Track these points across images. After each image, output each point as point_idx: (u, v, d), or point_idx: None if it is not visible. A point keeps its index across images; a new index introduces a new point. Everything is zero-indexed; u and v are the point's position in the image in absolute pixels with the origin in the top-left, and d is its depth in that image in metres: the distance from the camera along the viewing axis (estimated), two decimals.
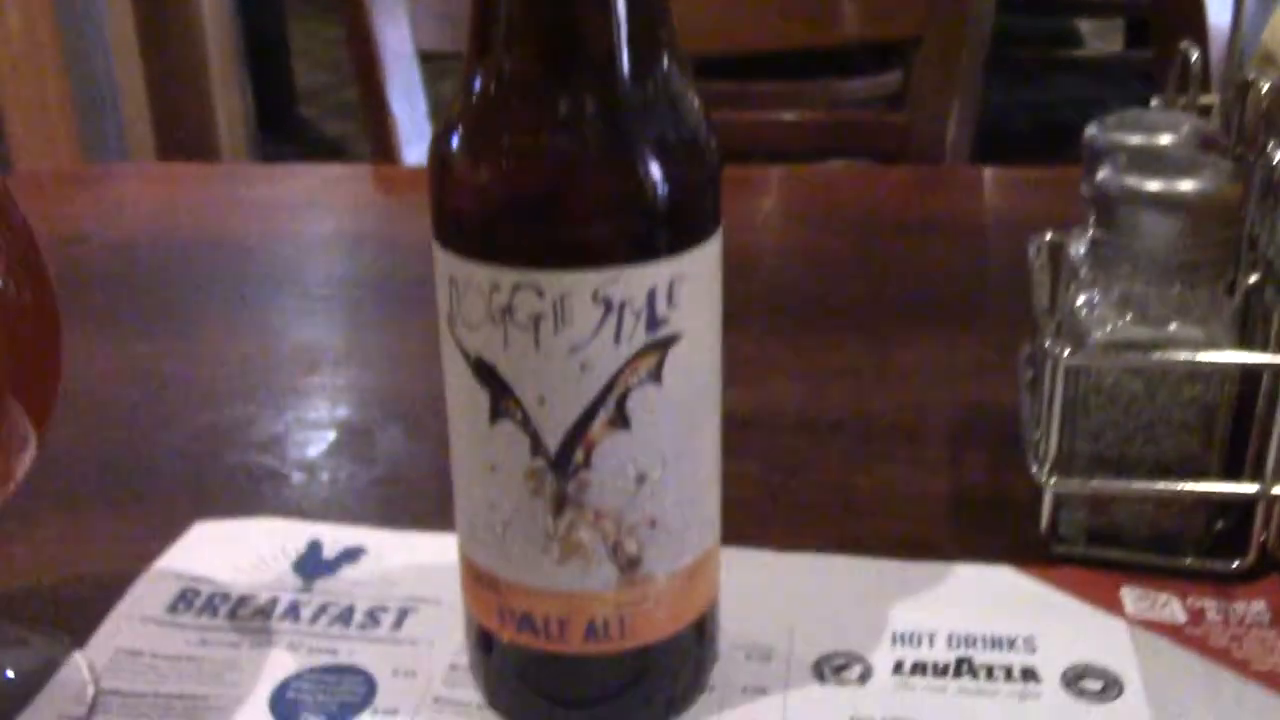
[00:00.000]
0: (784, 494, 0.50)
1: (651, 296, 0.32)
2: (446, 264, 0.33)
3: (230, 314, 0.69)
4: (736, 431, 0.57)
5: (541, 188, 0.32)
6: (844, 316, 0.67)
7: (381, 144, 1.07)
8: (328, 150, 2.99)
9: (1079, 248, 0.48)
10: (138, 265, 0.77)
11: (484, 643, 0.38)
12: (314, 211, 0.85)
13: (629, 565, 0.35)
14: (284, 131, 3.01)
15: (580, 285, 0.32)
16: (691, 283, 0.33)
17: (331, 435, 0.55)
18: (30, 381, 0.37)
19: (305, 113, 3.33)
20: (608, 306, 0.32)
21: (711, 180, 0.33)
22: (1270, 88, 0.47)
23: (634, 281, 0.32)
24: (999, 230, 0.78)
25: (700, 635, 0.38)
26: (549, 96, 0.31)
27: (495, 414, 0.34)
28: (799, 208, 0.88)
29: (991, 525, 0.48)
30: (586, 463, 0.34)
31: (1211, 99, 0.60)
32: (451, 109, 0.33)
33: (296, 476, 0.52)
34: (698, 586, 0.37)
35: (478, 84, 0.32)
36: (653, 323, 0.33)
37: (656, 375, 0.33)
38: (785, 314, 0.67)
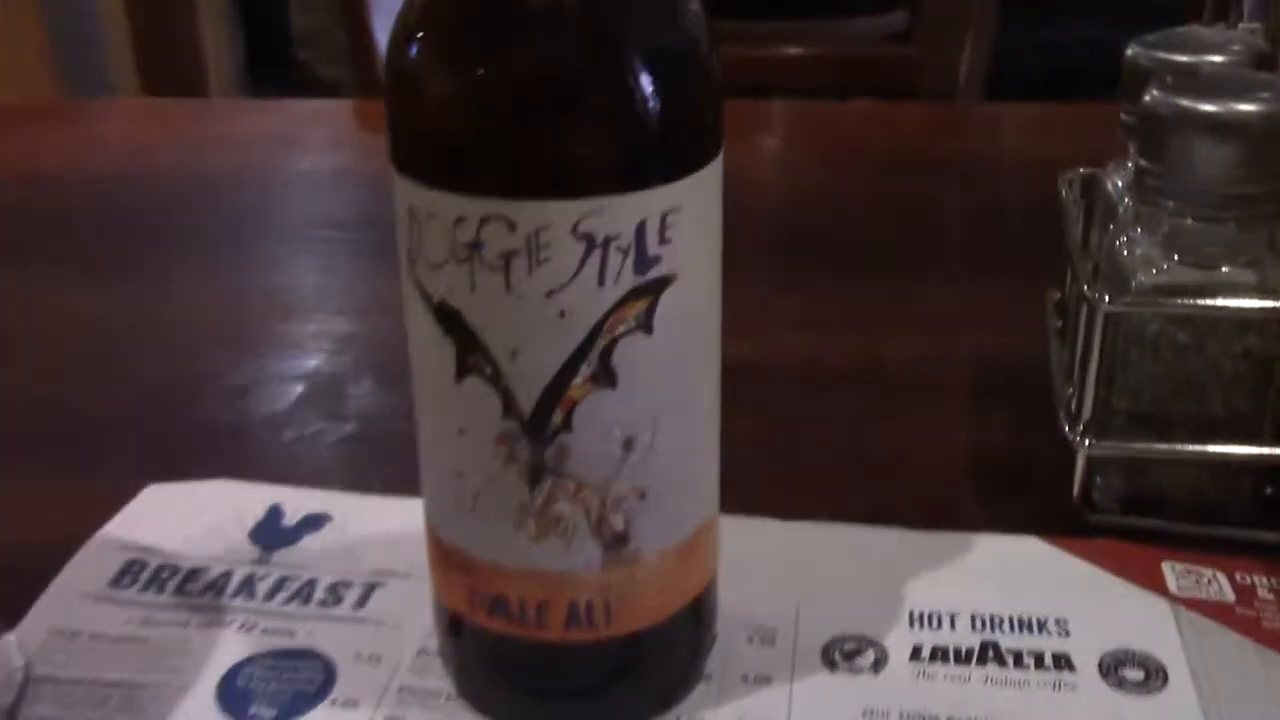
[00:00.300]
0: (788, 454, 0.46)
1: (641, 231, 0.28)
2: (405, 193, 0.29)
3: (200, 257, 0.64)
4: (735, 384, 0.52)
5: (511, 101, 0.27)
6: (854, 260, 0.62)
7: (365, 77, 1.02)
8: (324, 96, 2.92)
9: (1117, 180, 0.43)
10: (106, 205, 0.72)
11: (454, 628, 0.34)
12: (293, 148, 0.81)
13: (615, 542, 0.31)
14: (279, 76, 2.94)
15: (558, 217, 0.27)
16: (688, 215, 0.29)
17: (299, 389, 0.51)
18: None
19: (302, 56, 3.25)
20: (590, 242, 0.27)
21: (711, 95, 0.29)
22: None
23: (621, 213, 0.27)
24: (1017, 170, 0.73)
25: (696, 619, 0.34)
26: None
27: (462, 369, 0.29)
28: (807, 145, 0.83)
29: (1017, 490, 0.43)
30: (566, 425, 0.29)
31: (1254, 25, 0.55)
32: (408, 12, 0.28)
33: (259, 434, 0.48)
34: (693, 565, 0.33)
35: None
36: (643, 262, 0.28)
37: (647, 324, 0.29)
38: (791, 257, 0.63)
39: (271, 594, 0.39)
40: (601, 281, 0.28)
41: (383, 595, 0.39)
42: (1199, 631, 0.36)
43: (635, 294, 0.28)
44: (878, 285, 0.59)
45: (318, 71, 3.20)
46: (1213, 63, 0.40)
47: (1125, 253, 0.38)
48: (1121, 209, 0.41)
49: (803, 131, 0.85)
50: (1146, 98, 0.37)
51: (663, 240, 0.28)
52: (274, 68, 2.84)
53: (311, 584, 0.39)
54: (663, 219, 0.28)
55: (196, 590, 0.39)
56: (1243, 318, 0.37)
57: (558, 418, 0.29)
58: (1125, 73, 0.42)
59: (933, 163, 0.75)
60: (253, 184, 0.75)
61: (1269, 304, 0.37)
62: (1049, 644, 0.36)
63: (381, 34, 1.02)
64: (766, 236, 0.63)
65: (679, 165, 0.28)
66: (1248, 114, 0.36)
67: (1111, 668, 0.35)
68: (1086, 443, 0.39)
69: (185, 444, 0.47)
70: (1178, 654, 0.35)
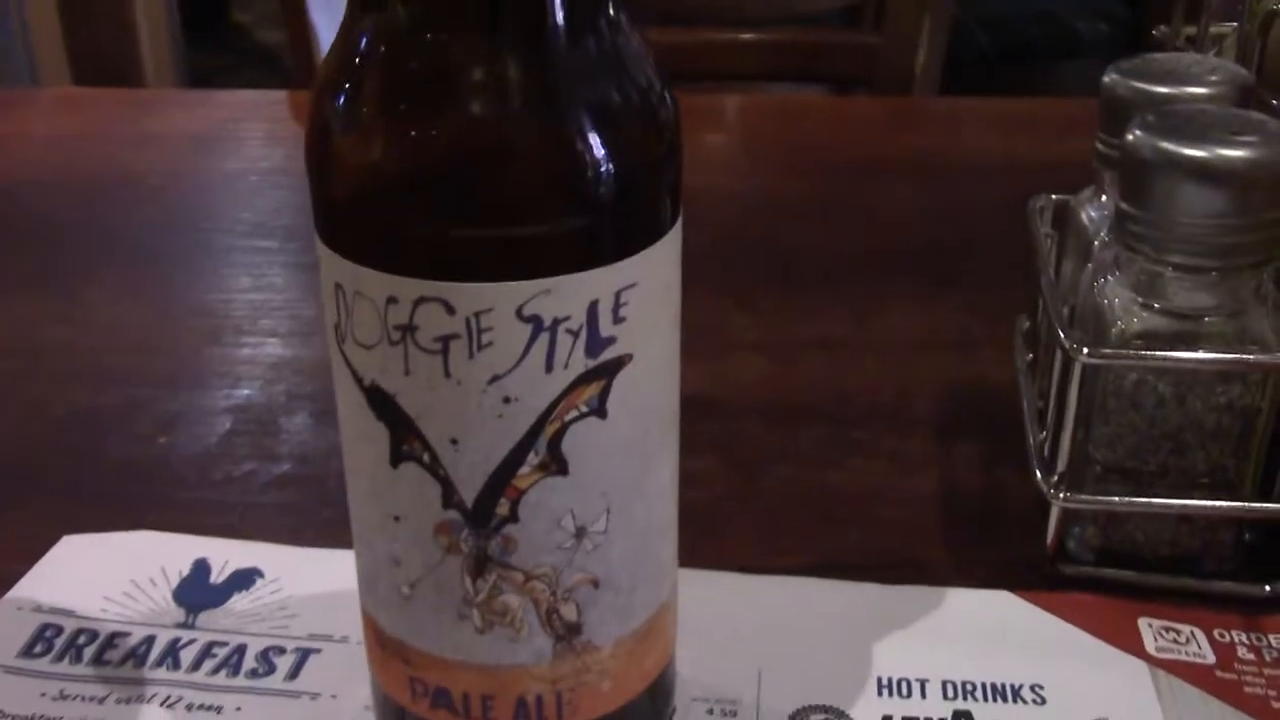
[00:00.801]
0: (747, 496, 0.44)
1: (593, 311, 0.25)
2: (332, 267, 0.26)
3: (120, 269, 0.61)
4: (692, 417, 0.50)
5: (450, 171, 0.24)
6: (811, 276, 0.60)
7: (302, 62, 0.98)
8: (261, 61, 2.85)
9: (1091, 213, 0.41)
10: (24, 209, 0.68)
11: (396, 717, 0.31)
12: (226, 145, 0.77)
13: (567, 633, 0.28)
14: (215, 40, 2.86)
15: (502, 299, 0.25)
16: (644, 290, 0.26)
17: (228, 422, 0.48)
18: None
19: (239, 18, 3.17)
20: (538, 325, 0.25)
21: (670, 163, 0.26)
22: None
23: (571, 293, 0.25)
24: (978, 172, 0.71)
25: (652, 701, 0.32)
26: (461, 49, 0.24)
27: (396, 455, 0.27)
28: (759, 143, 0.80)
29: (987, 538, 0.42)
30: (513, 516, 0.27)
31: (1224, 29, 0.53)
32: (334, 63, 0.26)
33: (184, 474, 0.45)
34: (651, 650, 0.31)
35: (367, 32, 0.25)
36: (595, 344, 0.26)
37: (600, 408, 0.26)
38: (744, 272, 0.60)
39: (197, 663, 0.36)
40: (550, 367, 0.25)
41: (318, 663, 0.36)
42: (1180, 699, 0.34)
43: (587, 377, 0.26)
44: (836, 305, 0.57)
45: (256, 35, 3.12)
46: (1194, 94, 0.38)
47: (1104, 299, 0.36)
48: (1097, 246, 0.39)
49: (755, 129, 0.82)
50: (1129, 137, 0.35)
51: (616, 319, 0.26)
52: (209, 30, 2.77)
53: (241, 650, 0.37)
54: (616, 297, 0.26)
55: (116, 659, 0.36)
56: (1225, 370, 0.36)
57: (503, 508, 0.27)
58: (1102, 100, 0.40)
59: (891, 163, 0.73)
60: (182, 186, 0.71)
61: (1253, 357, 0.35)
62: (1025, 714, 0.34)
63: (318, 14, 0.98)
64: (718, 246, 0.61)
65: (636, 238, 0.26)
66: (1234, 159, 0.34)
67: None
68: (1062, 495, 0.37)
69: (103, 486, 0.44)
70: None
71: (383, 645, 0.30)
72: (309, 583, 0.39)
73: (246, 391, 0.50)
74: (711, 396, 0.49)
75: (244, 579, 0.39)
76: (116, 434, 0.47)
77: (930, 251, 0.63)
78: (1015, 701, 0.35)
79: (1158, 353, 0.35)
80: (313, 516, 0.43)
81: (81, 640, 0.37)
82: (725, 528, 0.42)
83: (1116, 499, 0.37)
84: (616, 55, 0.25)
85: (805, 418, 0.48)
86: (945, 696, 0.35)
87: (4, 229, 0.65)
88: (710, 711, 0.34)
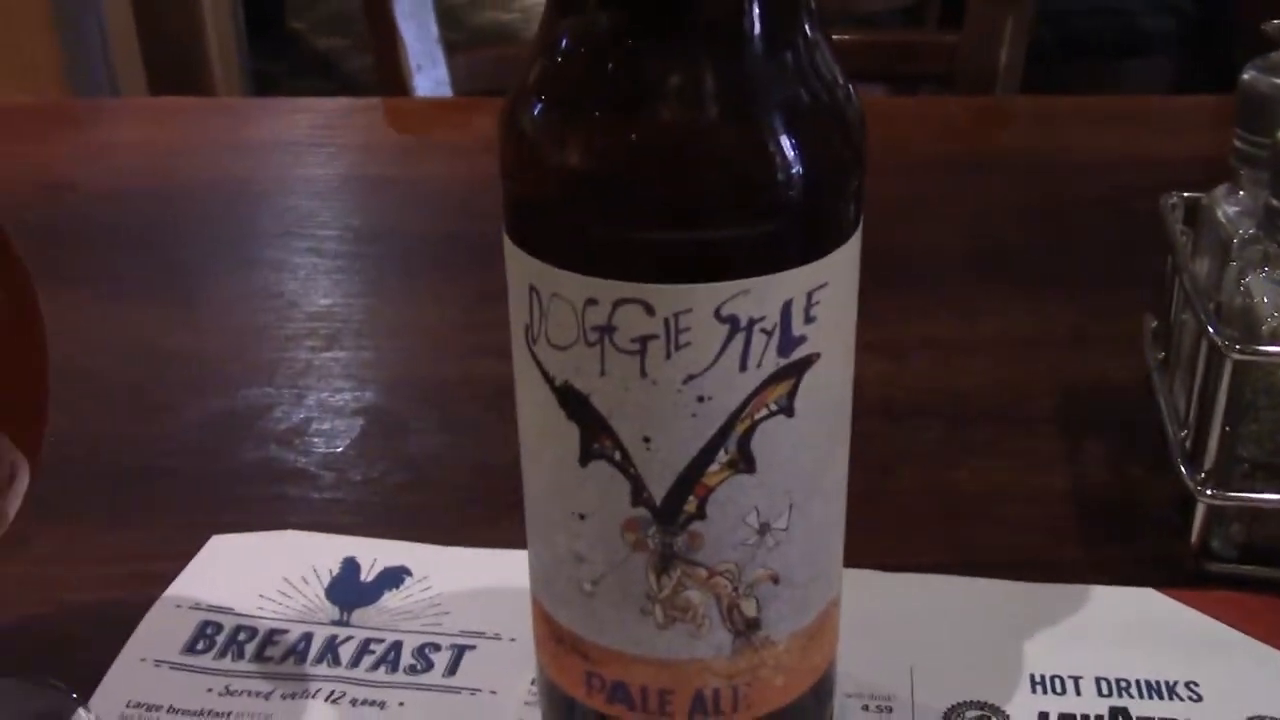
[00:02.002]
0: (876, 497, 0.44)
1: (787, 311, 0.26)
2: (525, 268, 0.27)
3: (236, 274, 0.62)
4: None
5: (651, 175, 0.25)
6: (917, 274, 0.60)
7: (389, 71, 0.99)
8: (318, 66, 2.88)
9: (1228, 209, 0.41)
10: (130, 216, 0.69)
11: (566, 710, 0.32)
12: (322, 152, 0.78)
13: (746, 628, 0.29)
14: (273, 46, 2.90)
15: (701, 300, 0.25)
16: (833, 291, 0.27)
17: (359, 424, 0.49)
18: (13, 407, 0.31)
19: (295, 26, 3.21)
20: (734, 325, 0.25)
21: (859, 164, 0.27)
22: None
23: (768, 294, 0.25)
24: (1073, 170, 0.71)
25: (818, 697, 0.32)
26: (660, 59, 0.25)
27: (587, 453, 0.27)
28: None
29: (1124, 535, 0.42)
30: (700, 513, 0.27)
31: None
32: (528, 70, 0.26)
33: (320, 476, 0.46)
34: (821, 645, 0.31)
35: (565, 40, 0.26)
36: (787, 343, 0.26)
37: (789, 406, 0.27)
38: None
39: (356, 659, 0.37)
40: (744, 366, 0.26)
41: (474, 659, 0.37)
42: None
43: (778, 376, 0.26)
44: (946, 303, 0.57)
45: (311, 42, 3.15)
46: None
47: (1252, 297, 0.37)
48: (1236, 242, 0.39)
49: None
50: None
51: (808, 319, 0.26)
52: (267, 37, 2.80)
53: (397, 647, 0.37)
54: (809, 297, 0.26)
55: (277, 656, 0.37)
56: None
57: (691, 505, 0.27)
58: (1240, 98, 0.40)
59: (984, 162, 0.73)
60: (284, 193, 0.72)
61: None
62: (1182, 711, 0.34)
63: (405, 23, 0.99)
64: None
65: (827, 240, 0.26)
66: None
67: None
68: (1209, 492, 0.37)
69: (241, 489, 0.45)
70: None
71: (559, 640, 0.31)
72: (458, 581, 0.40)
73: (372, 394, 0.51)
74: None
75: (393, 577, 0.40)
76: (249, 437, 0.48)
77: (1031, 249, 0.63)
78: (1171, 698, 0.35)
79: None
80: (447, 514, 0.43)
81: (242, 637, 0.38)
82: (858, 527, 0.42)
83: (1266, 495, 0.37)
84: (807, 59, 0.26)
85: (923, 418, 0.49)
86: (1100, 693, 0.35)
87: (114, 235, 0.67)
88: (866, 708, 0.35)
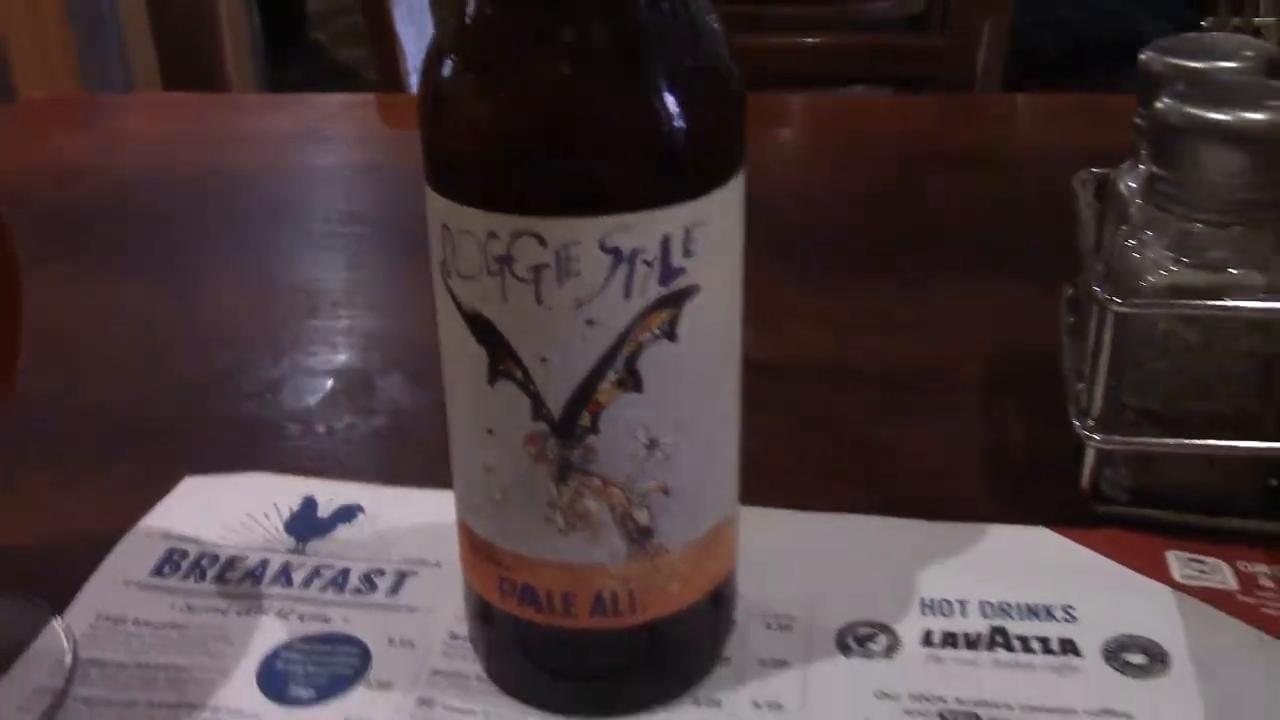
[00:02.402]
0: (809, 451, 0.48)
1: (666, 245, 0.29)
2: (439, 209, 0.30)
3: (228, 253, 0.66)
4: (755, 381, 0.54)
5: (541, 122, 0.28)
6: (871, 256, 0.63)
7: (387, 71, 1.03)
8: (339, 77, 2.93)
9: (1130, 182, 0.44)
10: (134, 202, 0.73)
11: (484, 614, 0.35)
12: (319, 144, 0.82)
13: (640, 536, 0.32)
14: (294, 57, 2.95)
15: (587, 233, 0.28)
16: (711, 229, 0.30)
17: (329, 383, 0.52)
18: None
19: (317, 37, 3.26)
20: (618, 256, 0.29)
21: (735, 113, 0.30)
22: None
23: (647, 228, 0.29)
24: (1036, 162, 0.74)
25: (716, 606, 0.35)
26: (550, 17, 0.28)
27: (493, 374, 0.31)
28: (823, 138, 0.84)
29: (1028, 483, 0.45)
30: (593, 427, 0.31)
31: (1269, 20, 0.56)
32: (441, 33, 0.30)
33: (291, 428, 0.50)
34: (714, 557, 0.34)
35: (471, 4, 0.29)
36: (667, 274, 0.29)
37: (671, 332, 0.30)
38: (808, 253, 0.64)
39: (307, 582, 0.41)
40: (628, 293, 0.29)
41: (415, 583, 0.40)
42: (1201, 618, 0.37)
43: (660, 304, 0.30)
44: (894, 281, 0.60)
45: (333, 53, 3.21)
46: (1224, 69, 0.41)
47: (1135, 254, 0.40)
48: (1133, 210, 0.42)
49: (819, 124, 0.86)
50: (1158, 105, 0.38)
51: (686, 253, 0.29)
52: (288, 48, 2.85)
53: (345, 572, 0.41)
54: (687, 233, 0.29)
55: (235, 578, 0.41)
56: (1249, 318, 0.39)
57: (585, 420, 0.31)
58: (1139, 77, 0.43)
59: (949, 155, 0.76)
60: (278, 180, 0.76)
61: (1272, 305, 0.38)
62: (1055, 630, 0.37)
63: (402, 27, 1.03)
64: (786, 233, 0.64)
65: (703, 182, 0.29)
66: (1255, 122, 0.37)
67: (1115, 652, 0.36)
68: (1097, 437, 0.40)
69: (220, 438, 0.49)
70: (1180, 639, 0.37)
71: (475, 549, 0.34)
72: (404, 517, 0.43)
73: (344, 357, 0.54)
74: (774, 362, 0.53)
75: (347, 514, 0.44)
76: (228, 394, 0.52)
77: (981, 235, 0.66)
78: (1047, 619, 0.38)
79: (1181, 301, 0.38)
80: (406, 463, 0.47)
81: (205, 563, 0.41)
82: (788, 477, 0.46)
83: (1145, 440, 0.40)
84: (687, 15, 0.29)
85: (863, 384, 0.52)
86: (983, 615, 0.38)
87: (115, 219, 0.71)
88: (768, 626, 0.38)
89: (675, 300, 0.30)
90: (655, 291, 0.29)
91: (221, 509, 0.44)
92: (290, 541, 0.42)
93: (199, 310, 0.60)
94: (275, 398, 0.52)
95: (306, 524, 0.43)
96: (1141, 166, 0.44)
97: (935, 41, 1.04)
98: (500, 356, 0.30)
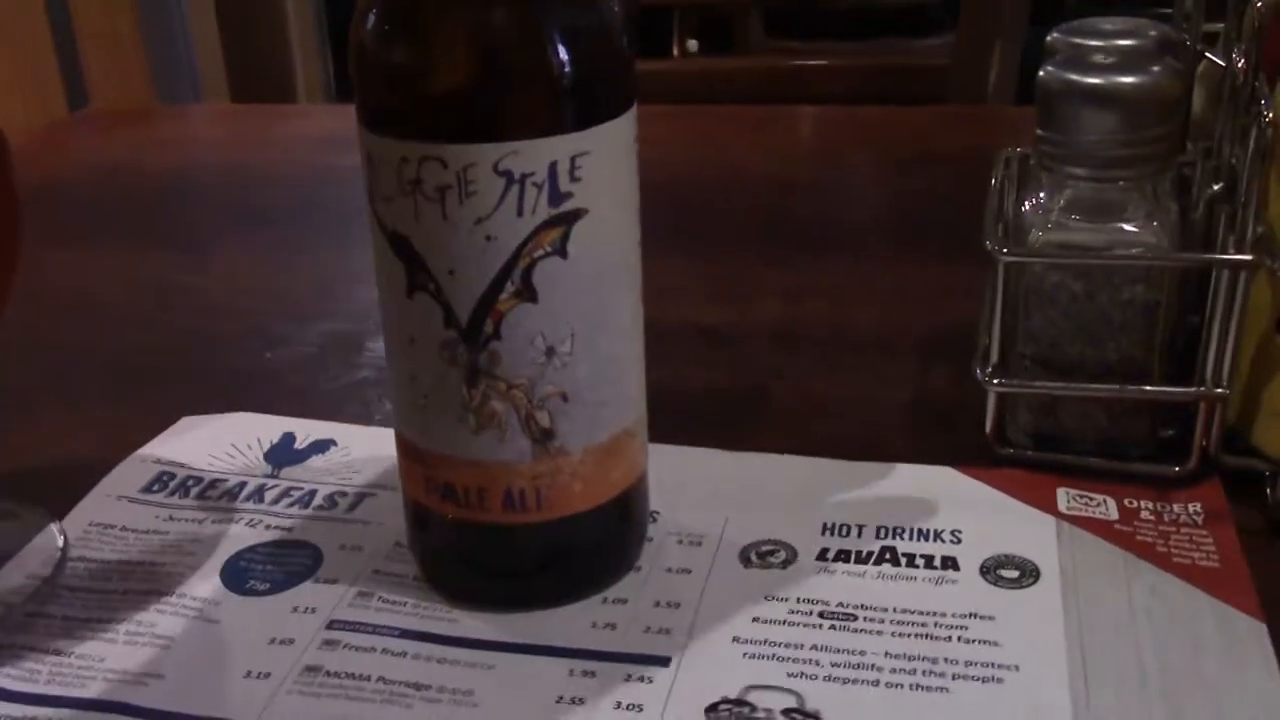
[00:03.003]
0: (746, 400, 0.51)
1: (553, 170, 0.33)
2: (364, 140, 0.35)
3: (250, 237, 0.72)
4: (710, 343, 0.58)
5: (441, 64, 0.33)
6: (838, 241, 0.67)
7: None
8: None
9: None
10: (175, 194, 0.80)
11: (417, 516, 0.40)
12: (335, 146, 0.88)
13: (542, 437, 0.36)
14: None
15: (481, 157, 0.33)
16: (597, 159, 0.34)
17: (321, 342, 0.57)
18: None
19: None
20: (509, 178, 0.33)
21: (615, 61, 0.35)
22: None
23: (533, 155, 0.33)
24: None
25: (623, 514, 0.39)
26: None
27: (411, 286, 0.35)
28: (825, 143, 0.88)
29: (944, 429, 0.48)
30: (496, 334, 0.35)
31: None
32: None
33: (285, 379, 0.55)
34: (617, 463, 0.38)
35: None
36: (555, 196, 0.34)
37: (561, 249, 0.34)
38: (779, 238, 0.68)
39: (277, 500, 0.45)
40: (520, 212, 0.34)
41: (372, 503, 0.45)
42: (1076, 541, 0.41)
43: (550, 223, 0.34)
44: (855, 262, 0.64)
45: None
46: (1116, 46, 0.45)
47: (1030, 213, 0.43)
48: (1031, 175, 0.46)
49: (809, 132, 0.90)
50: (1041, 74, 0.42)
51: (573, 179, 0.34)
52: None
53: (312, 493, 0.46)
54: (572, 161, 0.34)
55: (215, 496, 0.46)
56: (1130, 268, 0.42)
57: (489, 327, 0.35)
58: (1045, 56, 0.47)
59: (936, 158, 0.80)
60: (309, 180, 0.82)
61: (1141, 258, 0.41)
62: (940, 549, 0.41)
63: None
64: (761, 222, 0.69)
65: (587, 116, 0.34)
66: (1124, 84, 0.40)
67: (991, 568, 0.40)
68: (994, 382, 0.44)
69: (220, 387, 0.54)
70: (1052, 558, 0.40)
71: (406, 453, 0.38)
72: (372, 450, 0.48)
73: (339, 323, 0.60)
74: (732, 328, 0.57)
75: (321, 446, 0.48)
76: (229, 349, 0.57)
77: (953, 225, 0.69)
78: (935, 540, 0.41)
79: (1061, 252, 0.42)
80: (380, 408, 0.52)
81: (189, 483, 0.46)
82: (725, 422, 0.50)
83: (1035, 385, 0.43)
84: None
85: (803, 343, 0.56)
86: (877, 536, 0.41)
87: (155, 207, 0.77)
88: (680, 542, 0.42)
89: (564, 220, 0.34)
90: (545, 212, 0.34)
91: (210, 442, 0.49)
92: (267, 468, 0.47)
93: (210, 280, 0.66)
94: (273, 353, 0.57)
95: (284, 454, 0.48)
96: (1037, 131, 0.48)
97: (946, 63, 1.08)
98: (415, 270, 0.35)
